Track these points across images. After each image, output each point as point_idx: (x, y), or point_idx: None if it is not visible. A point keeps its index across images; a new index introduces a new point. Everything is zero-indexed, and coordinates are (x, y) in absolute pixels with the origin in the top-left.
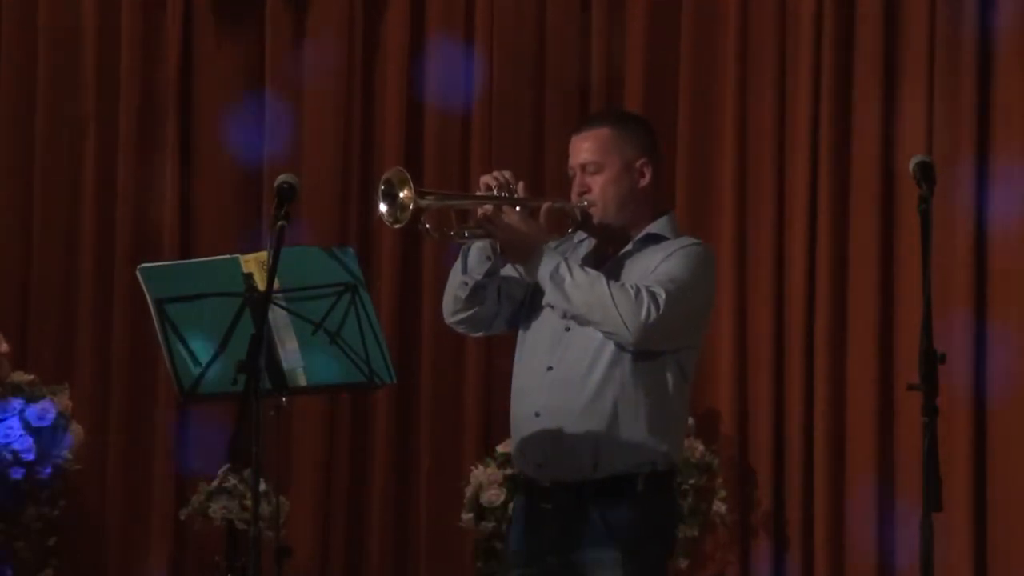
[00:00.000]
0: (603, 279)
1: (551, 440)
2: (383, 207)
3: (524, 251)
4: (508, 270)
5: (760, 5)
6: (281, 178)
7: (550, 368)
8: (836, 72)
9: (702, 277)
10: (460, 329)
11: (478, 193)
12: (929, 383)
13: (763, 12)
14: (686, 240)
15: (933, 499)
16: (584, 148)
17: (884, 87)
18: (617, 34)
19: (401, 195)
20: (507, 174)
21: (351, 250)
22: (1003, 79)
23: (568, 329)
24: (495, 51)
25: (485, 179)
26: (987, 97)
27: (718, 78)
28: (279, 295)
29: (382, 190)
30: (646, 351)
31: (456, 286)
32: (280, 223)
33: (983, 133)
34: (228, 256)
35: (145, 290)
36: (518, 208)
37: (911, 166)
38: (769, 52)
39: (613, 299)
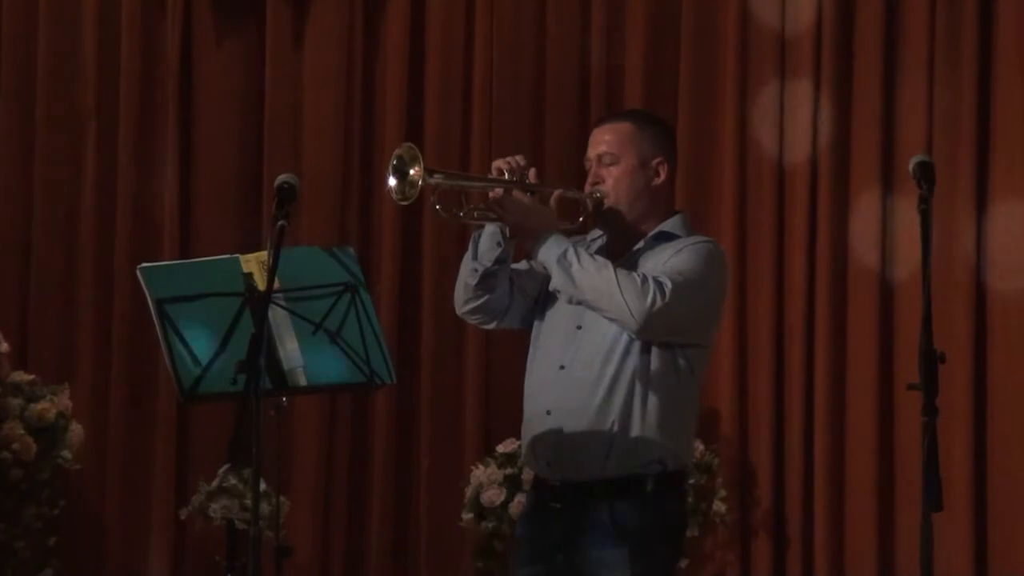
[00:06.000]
0: (610, 266)
1: (562, 438)
2: (392, 181)
3: (533, 234)
4: (522, 265)
5: (760, 5)
6: (281, 178)
7: (563, 367)
8: (836, 71)
9: (711, 274)
10: (473, 320)
11: (489, 176)
12: (929, 383)
13: (763, 12)
14: (698, 238)
15: (933, 499)
16: (603, 140)
17: (884, 87)
18: (617, 34)
19: (411, 172)
20: (520, 159)
21: (351, 250)
22: (1003, 79)
23: (580, 327)
24: (495, 51)
25: (498, 163)
26: (987, 97)
27: (718, 78)
28: (279, 295)
29: (393, 165)
30: (656, 347)
31: (467, 274)
32: (280, 223)
33: (983, 133)
34: (228, 256)
35: (145, 290)
36: (529, 193)
37: (911, 166)
38: (769, 52)
39: (619, 285)
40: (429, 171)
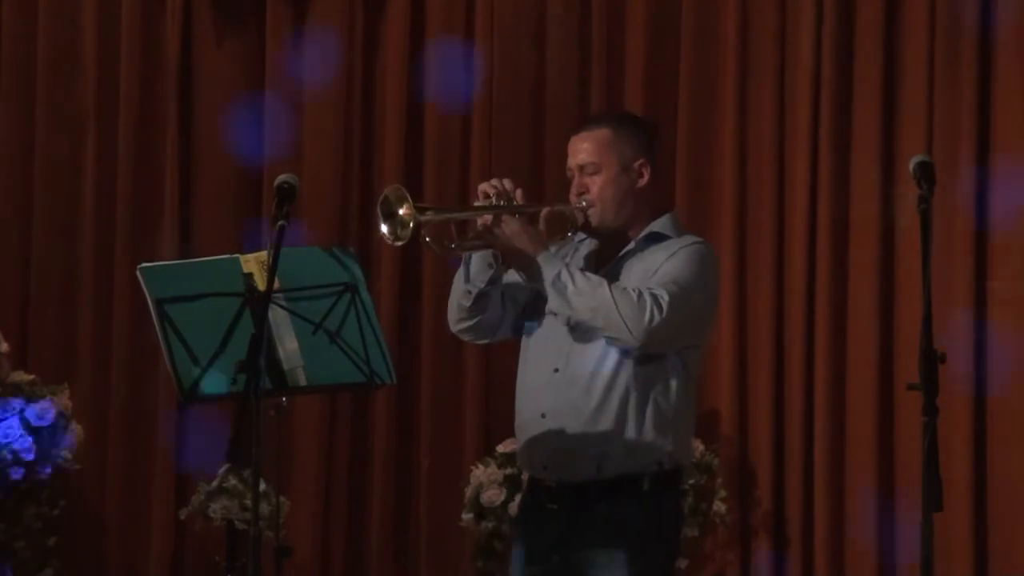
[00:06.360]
0: (605, 284)
1: (557, 441)
2: (384, 227)
3: (525, 259)
4: (511, 275)
5: (760, 6)
6: (281, 178)
7: (556, 370)
8: (836, 72)
9: (705, 276)
10: (465, 337)
11: (476, 203)
12: (929, 383)
13: (763, 12)
14: (688, 239)
15: (933, 499)
16: (582, 149)
17: (884, 87)
18: (617, 35)
19: (400, 212)
20: (506, 182)
21: (351, 250)
22: (1003, 79)
23: (573, 330)
24: (495, 51)
25: (483, 187)
26: (987, 97)
27: (718, 79)
28: (279, 295)
29: (381, 210)
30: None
31: (459, 295)
32: (280, 223)
33: (983, 133)
34: (228, 256)
35: (145, 290)
36: (517, 216)
37: (911, 166)
38: (769, 52)
39: (616, 304)
40: (420, 209)
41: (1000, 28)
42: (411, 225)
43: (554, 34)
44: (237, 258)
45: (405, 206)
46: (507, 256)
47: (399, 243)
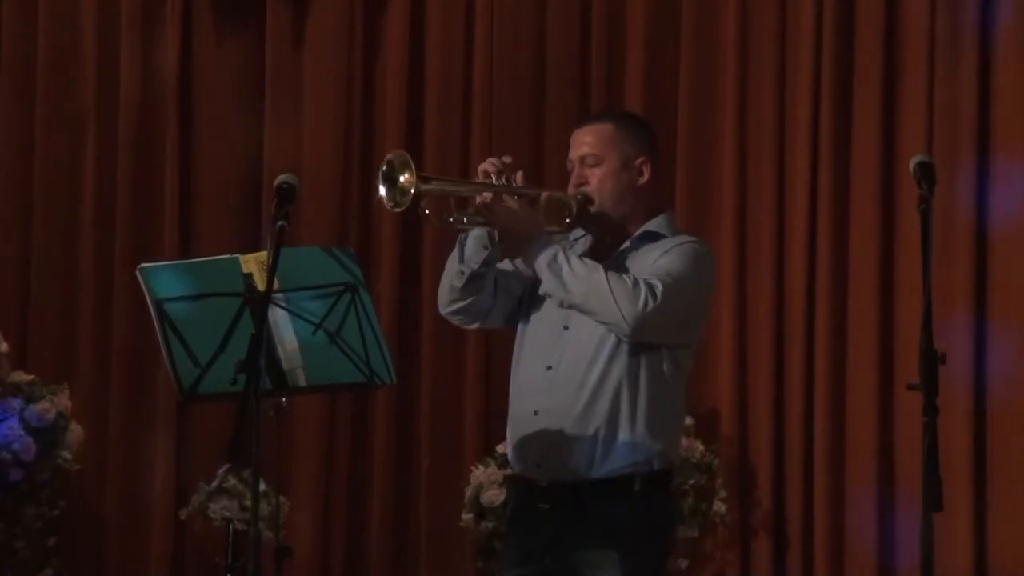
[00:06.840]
0: (601, 269)
1: (550, 439)
2: (383, 190)
3: (522, 239)
4: (506, 264)
5: (760, 6)
6: (281, 178)
7: (549, 368)
8: (836, 72)
9: (700, 273)
10: (455, 320)
11: (478, 181)
12: (929, 383)
13: (763, 12)
14: (684, 238)
15: (933, 499)
16: (585, 141)
17: (884, 87)
18: (617, 34)
19: (402, 179)
20: (506, 159)
21: (351, 250)
22: (1003, 79)
23: (567, 328)
24: (495, 50)
25: (484, 167)
26: (987, 97)
27: (718, 78)
28: (279, 295)
29: (383, 171)
30: (643, 347)
31: (452, 275)
32: (280, 223)
33: (983, 133)
34: (228, 256)
35: (145, 290)
36: (517, 197)
37: (911, 166)
38: (769, 52)
39: (611, 288)
40: (424, 178)
41: (1000, 28)
42: (411, 192)
43: (554, 34)
44: (237, 258)
45: (407, 173)
46: (504, 235)
47: (396, 209)
